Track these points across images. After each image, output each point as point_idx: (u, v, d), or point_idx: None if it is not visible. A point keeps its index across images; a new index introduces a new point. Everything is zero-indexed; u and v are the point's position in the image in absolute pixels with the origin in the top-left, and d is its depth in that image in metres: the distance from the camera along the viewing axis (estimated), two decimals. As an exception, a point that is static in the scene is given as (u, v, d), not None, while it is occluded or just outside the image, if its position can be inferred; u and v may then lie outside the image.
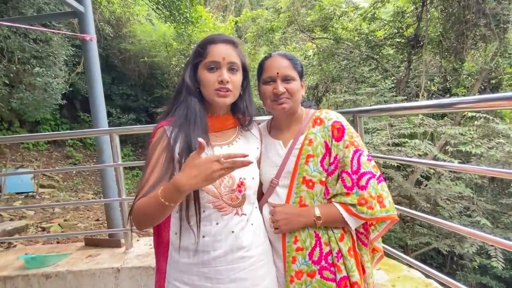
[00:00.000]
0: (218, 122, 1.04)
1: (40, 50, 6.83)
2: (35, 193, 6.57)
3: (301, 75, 1.14)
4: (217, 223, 0.96)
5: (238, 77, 1.02)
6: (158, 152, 0.94)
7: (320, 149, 1.07)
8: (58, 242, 4.12)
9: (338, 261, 1.03)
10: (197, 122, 0.96)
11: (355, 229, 1.12)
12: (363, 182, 1.02)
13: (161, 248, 1.04)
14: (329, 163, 1.07)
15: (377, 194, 1.02)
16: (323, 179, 1.06)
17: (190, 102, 0.99)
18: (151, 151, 0.95)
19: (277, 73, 1.08)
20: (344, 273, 1.02)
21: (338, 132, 1.07)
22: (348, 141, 1.06)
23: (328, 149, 1.07)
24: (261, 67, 1.14)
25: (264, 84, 1.12)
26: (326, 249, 1.04)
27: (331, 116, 1.11)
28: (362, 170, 1.03)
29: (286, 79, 1.09)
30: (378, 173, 1.06)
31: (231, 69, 1.00)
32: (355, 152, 1.05)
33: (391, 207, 1.03)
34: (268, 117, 1.31)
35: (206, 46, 0.99)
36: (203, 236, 0.96)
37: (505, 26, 6.56)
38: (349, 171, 1.04)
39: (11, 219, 5.01)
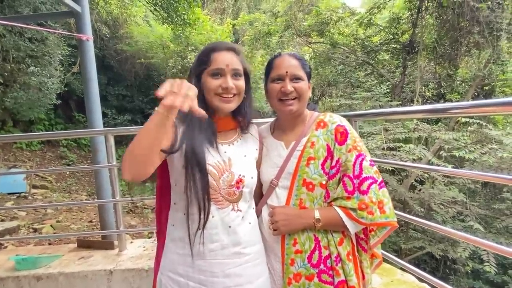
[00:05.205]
0: (219, 123, 1.07)
1: (35, 50, 6.78)
2: (27, 194, 6.48)
3: (309, 76, 1.14)
4: (212, 216, 0.98)
5: (241, 82, 1.05)
6: None
7: (321, 152, 1.07)
8: (50, 244, 4.06)
9: (336, 265, 1.03)
10: (204, 127, 0.99)
11: (356, 235, 1.12)
12: (364, 187, 1.01)
13: (161, 239, 1.07)
14: (331, 167, 1.06)
15: (378, 199, 1.01)
16: (324, 182, 1.06)
17: None
18: None
19: (286, 72, 1.08)
20: (342, 277, 1.02)
21: (341, 136, 1.07)
22: (351, 145, 1.05)
23: (330, 153, 1.07)
24: (270, 66, 1.14)
25: (272, 83, 1.12)
26: (325, 253, 1.04)
27: (335, 119, 1.11)
28: (364, 175, 1.02)
29: (295, 79, 1.09)
30: (380, 179, 1.05)
31: (235, 75, 1.03)
32: (358, 156, 1.04)
33: (391, 213, 1.02)
34: (268, 120, 1.32)
35: (209, 54, 1.02)
36: (199, 228, 0.97)
37: (498, 34, 6.68)
38: (351, 175, 1.03)
39: (2, 220, 4.94)
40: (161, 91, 0.74)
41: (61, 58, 7.54)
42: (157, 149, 0.85)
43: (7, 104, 6.79)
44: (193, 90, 0.77)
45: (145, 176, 0.86)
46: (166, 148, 0.92)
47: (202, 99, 1.03)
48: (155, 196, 1.12)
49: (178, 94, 0.74)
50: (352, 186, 1.02)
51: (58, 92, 7.63)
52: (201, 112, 0.78)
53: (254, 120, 1.19)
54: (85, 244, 2.57)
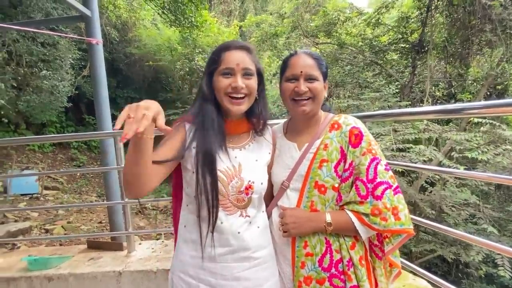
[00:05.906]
0: (232, 126, 1.06)
1: (47, 54, 6.93)
2: (39, 195, 6.62)
3: (325, 76, 1.11)
4: (221, 222, 0.98)
5: (253, 81, 1.02)
6: (169, 137, 0.99)
7: (335, 154, 1.04)
8: (61, 244, 4.14)
9: (348, 269, 1.00)
10: (215, 128, 0.99)
11: (369, 241, 1.09)
12: (378, 192, 0.98)
13: (177, 238, 1.09)
14: (344, 169, 1.03)
15: (392, 205, 0.97)
16: (336, 185, 1.03)
17: (207, 109, 1.01)
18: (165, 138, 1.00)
19: (301, 71, 1.06)
20: (354, 282, 1.00)
21: (355, 138, 1.03)
22: (366, 148, 1.02)
23: (343, 155, 1.04)
24: (285, 64, 1.11)
25: (286, 82, 1.09)
26: (336, 257, 1.02)
27: (350, 121, 1.07)
28: (378, 180, 0.99)
29: (310, 79, 1.06)
30: (395, 184, 1.01)
31: (246, 74, 1.00)
32: (372, 160, 1.01)
33: (407, 220, 0.98)
34: (274, 122, 1.31)
35: (220, 54, 1.01)
36: (208, 233, 0.97)
37: (511, 32, 6.52)
38: (364, 179, 1.00)
39: (16, 221, 5.05)
40: (118, 122, 0.72)
41: (72, 62, 7.69)
42: (145, 170, 0.84)
43: (21, 107, 6.95)
44: (152, 109, 0.75)
45: (148, 192, 0.88)
46: (172, 157, 0.94)
47: (214, 100, 1.02)
48: (162, 198, 1.14)
49: (135, 118, 0.71)
50: (365, 191, 0.99)
51: (69, 95, 7.78)
52: (164, 128, 0.77)
53: None
54: (94, 245, 2.60)
